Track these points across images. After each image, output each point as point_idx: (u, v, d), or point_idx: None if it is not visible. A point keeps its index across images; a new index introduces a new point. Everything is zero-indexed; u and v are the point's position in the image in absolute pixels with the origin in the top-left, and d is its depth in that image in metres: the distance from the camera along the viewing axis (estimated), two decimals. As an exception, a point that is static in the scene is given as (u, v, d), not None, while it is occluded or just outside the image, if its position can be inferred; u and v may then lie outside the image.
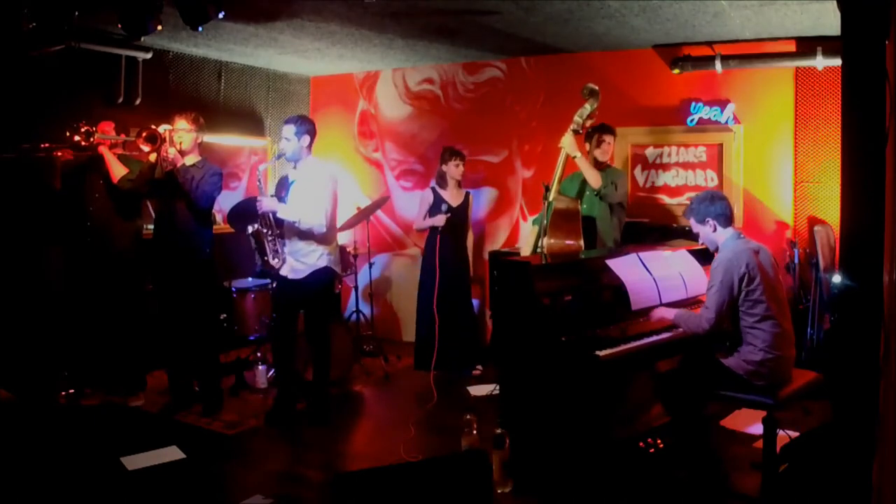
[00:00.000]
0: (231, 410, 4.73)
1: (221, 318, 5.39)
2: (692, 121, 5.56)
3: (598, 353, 3.25)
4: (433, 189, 5.58)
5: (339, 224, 4.84)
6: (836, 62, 4.87)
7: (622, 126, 5.32)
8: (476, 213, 6.22)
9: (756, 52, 5.25)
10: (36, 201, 4.93)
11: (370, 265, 6.15)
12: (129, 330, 4.85)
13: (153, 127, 4.35)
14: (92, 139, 4.46)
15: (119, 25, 4.04)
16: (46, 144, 4.57)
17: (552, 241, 4.20)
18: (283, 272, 4.44)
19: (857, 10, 2.19)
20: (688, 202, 3.60)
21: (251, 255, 5.38)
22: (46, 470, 3.76)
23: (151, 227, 4.81)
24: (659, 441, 3.70)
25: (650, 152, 5.80)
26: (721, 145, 5.52)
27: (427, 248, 5.56)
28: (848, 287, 2.20)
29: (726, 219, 3.43)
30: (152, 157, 4.45)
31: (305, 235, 4.32)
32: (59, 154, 4.65)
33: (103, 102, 5.44)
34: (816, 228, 5.00)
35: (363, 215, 5.84)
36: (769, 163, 5.40)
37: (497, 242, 6.42)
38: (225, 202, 5.80)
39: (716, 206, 3.42)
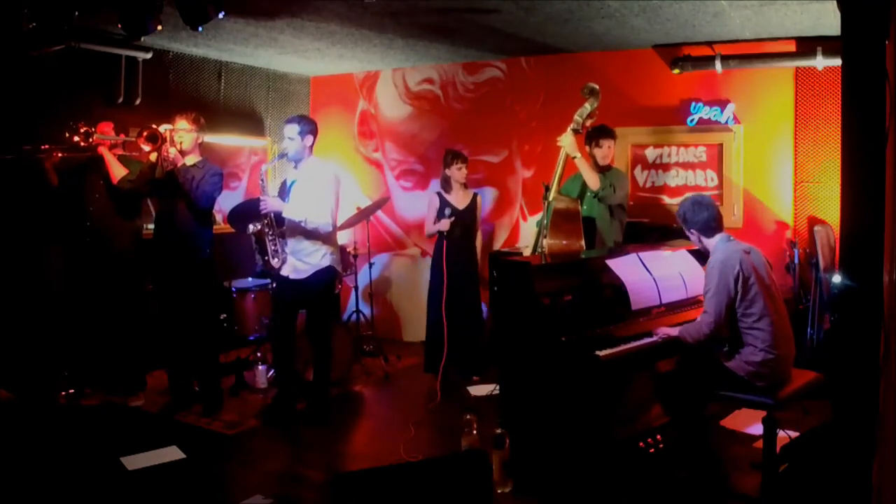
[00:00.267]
0: (231, 410, 4.73)
1: (221, 318, 5.39)
2: (692, 121, 5.56)
3: (598, 353, 3.26)
4: (439, 193, 5.48)
5: (339, 224, 4.84)
6: (836, 62, 4.87)
7: (622, 126, 5.31)
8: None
9: (756, 52, 5.25)
10: (36, 201, 4.93)
11: (370, 265, 6.15)
12: (129, 330, 4.85)
13: (154, 126, 4.35)
14: (91, 139, 4.46)
15: (119, 25, 4.04)
16: (46, 146, 4.57)
17: (552, 241, 4.19)
18: (283, 272, 4.44)
19: (857, 10, 2.19)
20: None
21: (251, 255, 5.37)
22: (46, 470, 3.76)
23: (151, 227, 4.81)
24: (659, 441, 3.70)
25: (650, 152, 5.80)
26: (721, 145, 5.52)
27: (435, 252, 5.48)
28: (848, 287, 2.20)
29: (710, 229, 3.40)
30: (153, 156, 4.45)
31: (310, 235, 4.31)
32: (43, 155, 4.62)
33: (103, 102, 5.44)
34: (816, 228, 5.00)
35: (363, 215, 5.84)
36: (769, 163, 5.40)
37: (497, 242, 6.42)
38: (225, 202, 5.81)
39: (700, 215, 3.39)
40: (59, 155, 4.66)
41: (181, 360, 4.72)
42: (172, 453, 3.97)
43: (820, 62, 4.98)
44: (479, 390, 5.17)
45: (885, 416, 2.22)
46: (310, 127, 4.34)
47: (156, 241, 4.63)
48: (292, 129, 4.29)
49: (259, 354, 5.39)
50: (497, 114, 6.38)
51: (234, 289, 5.48)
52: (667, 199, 5.74)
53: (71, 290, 4.97)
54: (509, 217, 6.42)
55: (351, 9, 4.57)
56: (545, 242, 4.20)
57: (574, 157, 4.42)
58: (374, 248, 6.47)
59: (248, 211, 4.94)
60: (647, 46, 5.62)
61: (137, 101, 5.62)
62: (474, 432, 3.79)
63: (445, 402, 4.96)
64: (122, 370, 4.87)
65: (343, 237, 6.12)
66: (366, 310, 6.12)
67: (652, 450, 3.65)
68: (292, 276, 4.40)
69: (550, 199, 4.27)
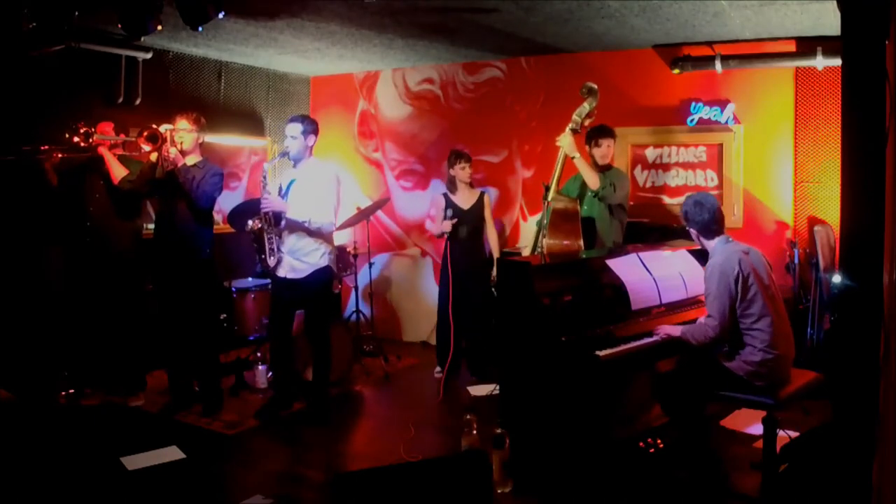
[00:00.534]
0: (231, 410, 4.72)
1: (221, 318, 5.39)
2: (692, 121, 5.56)
3: (598, 353, 3.26)
4: (444, 194, 5.42)
5: (338, 224, 4.84)
6: (836, 62, 4.87)
7: (622, 126, 5.31)
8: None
9: (756, 52, 5.25)
10: (36, 201, 4.93)
11: (370, 265, 6.15)
12: (129, 330, 4.85)
13: (154, 126, 4.35)
14: (91, 140, 4.46)
15: (119, 25, 4.04)
16: (46, 146, 4.57)
17: (551, 241, 4.19)
18: (279, 272, 4.42)
19: (857, 10, 2.19)
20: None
21: (251, 255, 5.38)
22: (46, 470, 3.76)
23: (151, 227, 4.81)
24: (659, 441, 3.70)
25: (650, 152, 5.80)
26: (721, 145, 5.52)
27: (443, 253, 5.44)
28: (848, 287, 2.20)
29: (710, 231, 3.41)
30: (153, 156, 4.45)
31: (311, 234, 4.31)
32: (43, 156, 4.62)
33: (103, 102, 5.44)
34: (816, 228, 5.00)
35: (363, 216, 5.84)
36: (769, 163, 5.40)
37: (497, 242, 6.42)
38: (225, 202, 5.81)
39: (701, 215, 3.40)
40: (59, 155, 4.66)
41: (181, 360, 4.71)
42: (172, 453, 3.97)
43: (820, 62, 4.98)
44: (479, 390, 5.17)
45: (885, 416, 2.22)
46: (312, 127, 4.36)
47: (156, 241, 4.63)
48: (295, 128, 4.30)
49: (259, 354, 5.39)
50: (497, 114, 6.38)
51: (234, 289, 5.48)
52: (667, 200, 5.74)
53: (71, 290, 4.96)
54: (509, 217, 6.42)
55: (351, 9, 4.57)
56: (544, 242, 4.20)
57: (573, 157, 4.42)
58: (374, 248, 6.47)
59: (248, 211, 4.95)
60: (647, 46, 5.62)
61: (137, 101, 5.62)
62: (474, 432, 3.79)
63: (445, 402, 4.96)
64: (122, 370, 4.87)
65: (343, 237, 6.13)
66: (366, 310, 6.12)
67: (652, 450, 3.65)
68: (290, 276, 4.39)
69: (550, 198, 4.27)
